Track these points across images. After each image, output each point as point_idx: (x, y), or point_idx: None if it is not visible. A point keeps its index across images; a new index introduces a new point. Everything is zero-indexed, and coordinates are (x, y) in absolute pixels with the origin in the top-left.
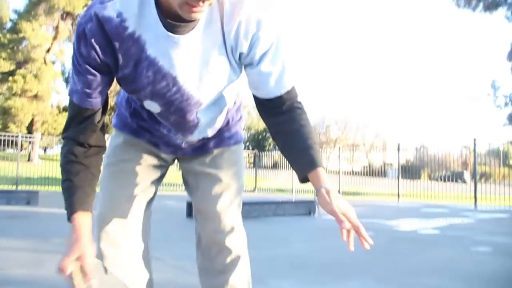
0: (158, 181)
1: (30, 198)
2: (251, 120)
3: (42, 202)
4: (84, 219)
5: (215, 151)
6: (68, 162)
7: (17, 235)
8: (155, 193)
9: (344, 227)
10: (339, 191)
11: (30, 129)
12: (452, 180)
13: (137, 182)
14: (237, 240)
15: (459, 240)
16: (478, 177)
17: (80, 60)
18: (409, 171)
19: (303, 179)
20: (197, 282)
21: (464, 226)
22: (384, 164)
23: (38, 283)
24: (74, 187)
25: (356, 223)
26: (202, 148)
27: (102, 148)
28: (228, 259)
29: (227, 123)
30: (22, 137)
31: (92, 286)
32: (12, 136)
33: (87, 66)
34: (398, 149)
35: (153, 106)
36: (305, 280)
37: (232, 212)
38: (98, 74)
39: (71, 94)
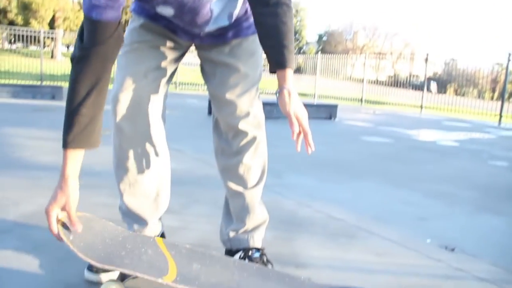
0: (175, 62)
1: (54, 93)
2: None
3: (66, 96)
4: (75, 157)
5: (234, 41)
6: (78, 81)
7: (43, 126)
8: (172, 74)
9: (294, 130)
10: (361, 100)
11: (52, 25)
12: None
13: (153, 60)
14: (253, 124)
15: (477, 154)
16: (507, 95)
17: None
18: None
19: (272, 73)
20: (214, 172)
21: (484, 141)
22: (411, 75)
23: None
24: (78, 115)
25: (306, 129)
26: (220, 37)
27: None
28: (244, 141)
29: (245, 12)
30: (44, 33)
31: (78, 231)
32: (34, 32)
33: None
34: (426, 60)
35: (166, 11)
36: (319, 178)
37: (249, 98)
38: None
39: (89, 11)
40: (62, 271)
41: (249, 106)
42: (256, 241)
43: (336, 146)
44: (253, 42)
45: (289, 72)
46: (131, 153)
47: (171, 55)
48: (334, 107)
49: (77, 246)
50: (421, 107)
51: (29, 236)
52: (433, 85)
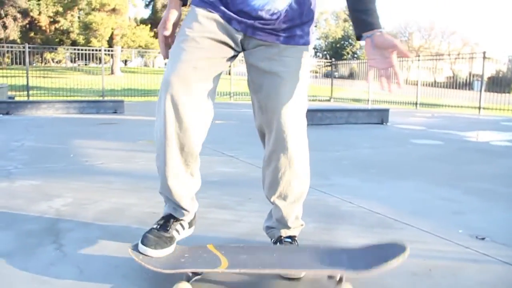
0: (226, 60)
1: (116, 107)
2: (328, 28)
3: (127, 110)
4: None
5: (284, 47)
6: None
7: (109, 138)
8: (221, 72)
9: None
10: (416, 103)
11: (110, 43)
12: None
13: (205, 52)
14: (293, 138)
15: None
16: None
17: None
18: (499, 84)
19: (359, 37)
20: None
21: None
22: (471, 75)
23: (131, 174)
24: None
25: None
26: (271, 35)
27: None
28: (282, 154)
29: (300, 15)
30: (104, 50)
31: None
32: (95, 50)
33: None
34: (484, 58)
35: None
36: (363, 178)
37: (295, 106)
38: None
39: None
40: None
41: (293, 117)
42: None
43: (384, 149)
44: (303, 53)
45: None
46: (174, 136)
47: (223, 50)
48: (386, 111)
49: (145, 261)
50: (479, 108)
51: (107, 227)
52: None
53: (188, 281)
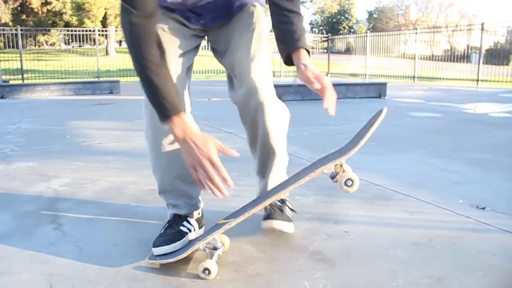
0: (193, 50)
1: (112, 88)
2: (324, 3)
3: (123, 90)
4: (186, 117)
5: (238, 13)
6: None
7: (106, 118)
8: (192, 62)
9: (314, 87)
10: (414, 77)
11: (104, 23)
12: None
13: (174, 46)
14: (262, 83)
15: None
16: None
17: None
18: (497, 56)
19: (287, 60)
20: None
21: None
22: (468, 48)
23: (128, 152)
24: (160, 89)
25: (326, 85)
26: (225, 14)
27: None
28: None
29: None
30: (98, 31)
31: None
32: (89, 31)
33: None
34: (482, 30)
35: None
36: (363, 151)
37: (261, 64)
38: None
39: None
40: (135, 230)
41: (260, 70)
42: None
43: (382, 123)
44: (256, 7)
45: (303, 52)
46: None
47: (189, 42)
48: (383, 85)
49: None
50: (477, 80)
51: (105, 205)
52: (475, 57)
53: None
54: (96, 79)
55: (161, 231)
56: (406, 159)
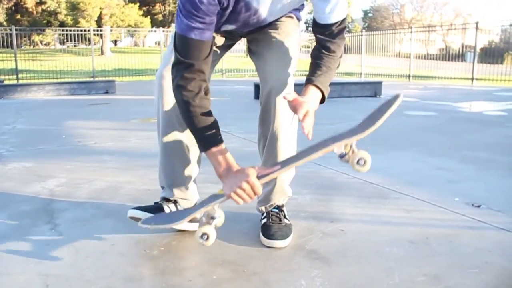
0: (223, 49)
1: (107, 87)
2: None
3: (118, 90)
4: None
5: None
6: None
7: (101, 118)
8: (218, 59)
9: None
10: (409, 76)
11: (99, 23)
12: None
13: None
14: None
15: None
16: None
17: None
18: (492, 55)
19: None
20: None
21: None
22: (463, 47)
23: (124, 152)
24: (207, 124)
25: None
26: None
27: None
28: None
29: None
30: (93, 30)
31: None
32: (84, 31)
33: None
34: (476, 28)
35: (229, 27)
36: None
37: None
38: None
39: (185, 32)
40: (132, 230)
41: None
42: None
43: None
44: (293, 21)
45: (312, 88)
46: (175, 127)
47: (220, 41)
48: (379, 84)
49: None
50: (472, 79)
51: (102, 206)
52: (470, 56)
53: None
54: (92, 79)
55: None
56: (402, 157)
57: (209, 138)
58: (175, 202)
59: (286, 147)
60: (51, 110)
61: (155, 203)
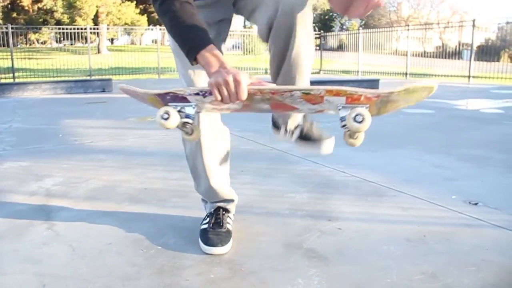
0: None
1: (104, 86)
2: (316, 0)
3: (115, 88)
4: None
5: None
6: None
7: (98, 117)
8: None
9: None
10: (406, 73)
11: (95, 21)
12: None
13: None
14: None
15: None
16: None
17: None
18: (488, 52)
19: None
20: (256, 147)
21: None
22: (460, 44)
23: (121, 151)
24: (192, 25)
25: None
26: None
27: None
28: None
29: None
30: (90, 29)
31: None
32: (80, 29)
33: None
34: (473, 26)
35: None
36: (356, 148)
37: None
38: None
39: None
40: (129, 229)
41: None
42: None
43: (375, 120)
44: None
45: None
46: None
47: (212, 18)
48: (376, 81)
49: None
50: (469, 76)
51: (98, 204)
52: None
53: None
54: (88, 78)
55: (209, 226)
56: (399, 155)
57: (197, 39)
58: (228, 211)
59: (306, 71)
60: (48, 109)
61: (216, 218)
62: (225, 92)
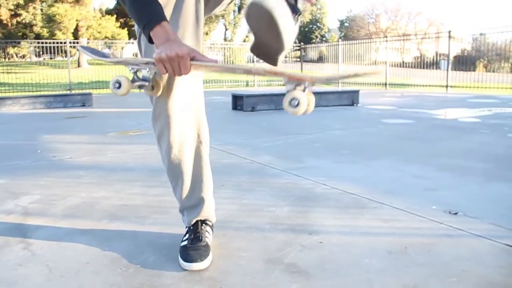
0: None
1: (84, 100)
2: None
3: (95, 103)
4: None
5: None
6: None
7: (78, 132)
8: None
9: None
10: (385, 84)
11: (76, 35)
12: None
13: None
14: None
15: (498, 127)
16: None
17: None
18: (464, 62)
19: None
20: (237, 161)
21: (508, 115)
22: (437, 55)
23: (100, 167)
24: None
25: None
26: None
27: None
28: None
29: None
30: (70, 42)
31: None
32: (60, 43)
33: None
34: (449, 37)
35: None
36: (337, 160)
37: None
38: None
39: None
40: (107, 247)
41: None
42: None
43: (355, 130)
44: None
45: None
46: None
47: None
48: (356, 92)
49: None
50: (447, 86)
51: (77, 222)
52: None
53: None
54: (68, 92)
55: (189, 242)
56: (379, 166)
57: (151, 15)
58: (206, 223)
59: None
60: (26, 124)
61: (194, 232)
62: (170, 67)
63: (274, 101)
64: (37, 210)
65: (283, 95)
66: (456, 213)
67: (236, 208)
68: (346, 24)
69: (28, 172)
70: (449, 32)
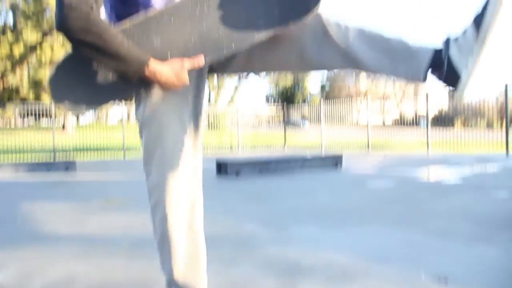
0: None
1: (68, 167)
2: (278, 76)
3: (79, 170)
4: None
5: None
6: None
7: (60, 200)
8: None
9: None
10: (368, 145)
11: None
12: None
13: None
14: None
15: (481, 187)
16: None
17: None
18: (443, 121)
19: None
20: (218, 230)
21: (490, 174)
22: (416, 115)
23: (82, 238)
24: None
25: None
26: None
27: None
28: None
29: None
30: (55, 106)
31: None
32: (45, 105)
33: None
34: (427, 99)
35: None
36: (324, 226)
37: None
38: None
39: None
40: None
41: None
42: None
43: (340, 194)
44: None
45: None
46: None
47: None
48: (339, 157)
49: None
50: (427, 146)
51: None
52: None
53: None
54: (52, 161)
55: None
56: (366, 232)
57: (141, 53)
58: None
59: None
60: (6, 192)
61: None
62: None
63: (258, 166)
64: (12, 286)
65: (270, 161)
66: (446, 282)
67: (221, 282)
68: (327, 89)
69: (4, 243)
70: (427, 94)
